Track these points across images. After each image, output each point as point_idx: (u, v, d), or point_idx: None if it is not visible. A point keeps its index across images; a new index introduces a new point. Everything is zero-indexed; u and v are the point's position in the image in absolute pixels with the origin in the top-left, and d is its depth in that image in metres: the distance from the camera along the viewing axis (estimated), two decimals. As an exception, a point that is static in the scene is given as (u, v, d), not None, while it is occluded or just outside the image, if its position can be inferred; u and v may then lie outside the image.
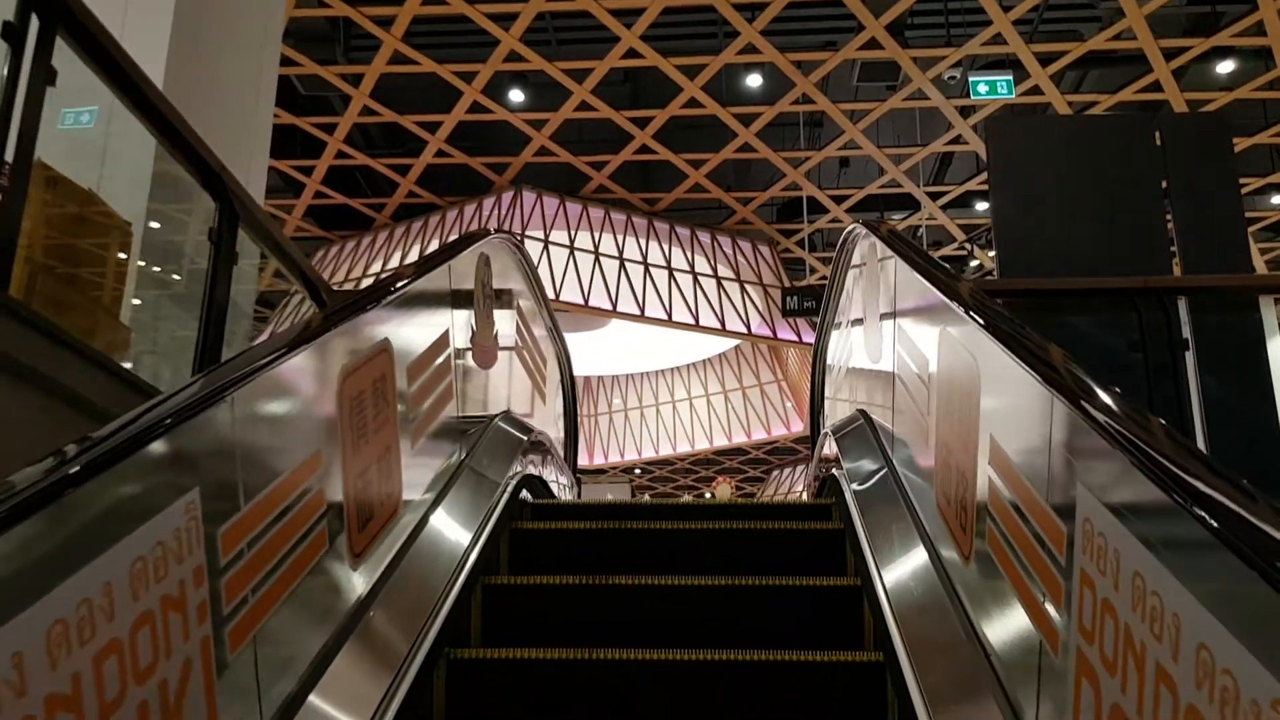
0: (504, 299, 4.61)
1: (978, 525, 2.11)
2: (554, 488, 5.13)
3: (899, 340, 3.37)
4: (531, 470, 4.47)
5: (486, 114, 11.41)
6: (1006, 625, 1.84)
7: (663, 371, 18.45)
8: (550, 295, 12.58)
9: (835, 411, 5.58)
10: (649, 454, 18.90)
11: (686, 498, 10.93)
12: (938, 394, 2.67)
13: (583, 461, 19.32)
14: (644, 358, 17.04)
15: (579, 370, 16.88)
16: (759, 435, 17.54)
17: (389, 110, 11.45)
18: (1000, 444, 1.99)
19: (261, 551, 1.67)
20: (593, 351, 15.63)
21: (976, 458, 2.15)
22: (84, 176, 3.25)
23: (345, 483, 2.17)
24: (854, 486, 3.61)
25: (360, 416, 2.36)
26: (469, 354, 3.83)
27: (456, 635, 2.62)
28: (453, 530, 3.02)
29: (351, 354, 2.32)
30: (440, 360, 3.35)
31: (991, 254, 13.93)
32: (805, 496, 5.90)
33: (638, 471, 22.72)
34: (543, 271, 12.41)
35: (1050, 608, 1.54)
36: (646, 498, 10.78)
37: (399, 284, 2.81)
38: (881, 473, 3.48)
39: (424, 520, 2.83)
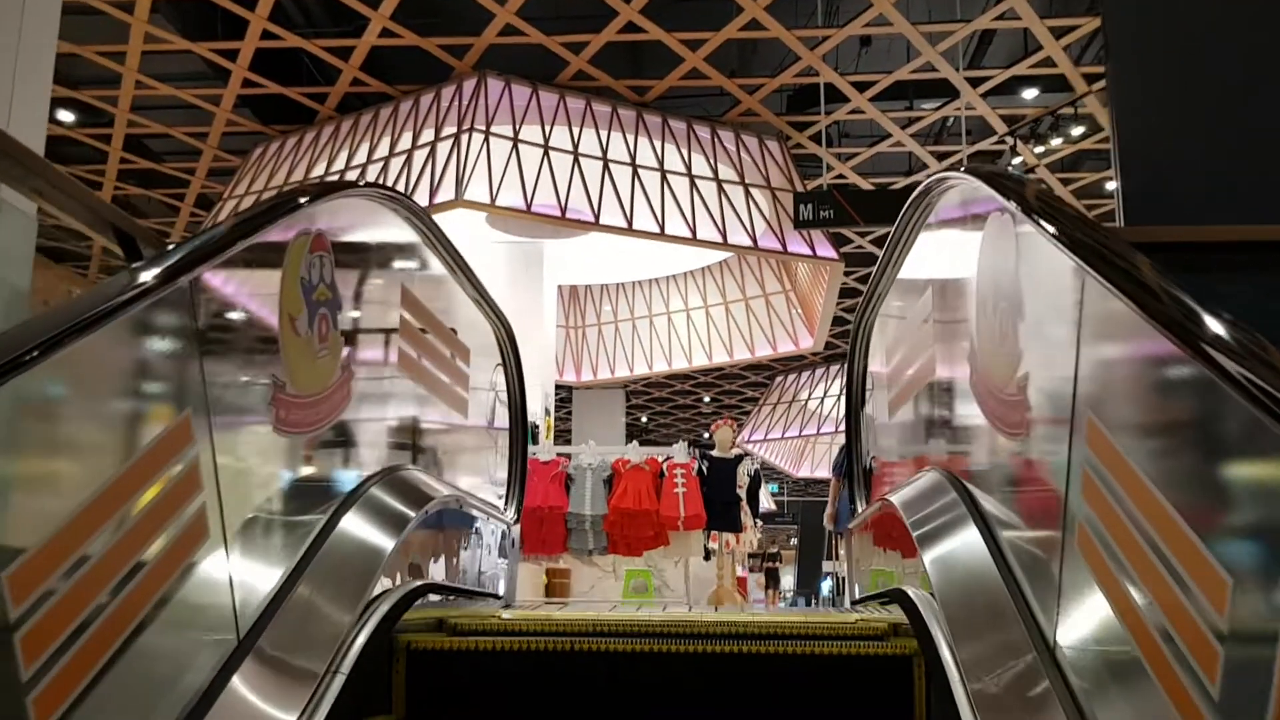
0: (368, 297, 2.87)
1: None
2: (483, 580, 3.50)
3: (1097, 451, 1.65)
4: (420, 577, 2.83)
5: (438, -17, 9.37)
6: None
7: (656, 280, 16.61)
8: (521, 205, 10.74)
9: (882, 434, 3.91)
10: (641, 369, 17.26)
11: (677, 448, 9.36)
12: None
13: (570, 377, 17.74)
14: (635, 265, 15.22)
15: (563, 279, 15.13)
16: (764, 351, 15.86)
17: (319, -21, 9.42)
18: None
19: None
20: (578, 259, 13.83)
21: None
22: None
23: None
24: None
25: None
26: (272, 421, 2.14)
27: None
28: None
29: None
30: (158, 487, 1.66)
31: (1038, 149, 12.02)
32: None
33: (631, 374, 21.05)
34: (511, 176, 10.52)
35: None
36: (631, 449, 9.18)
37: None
38: (1043, 692, 1.84)
39: None
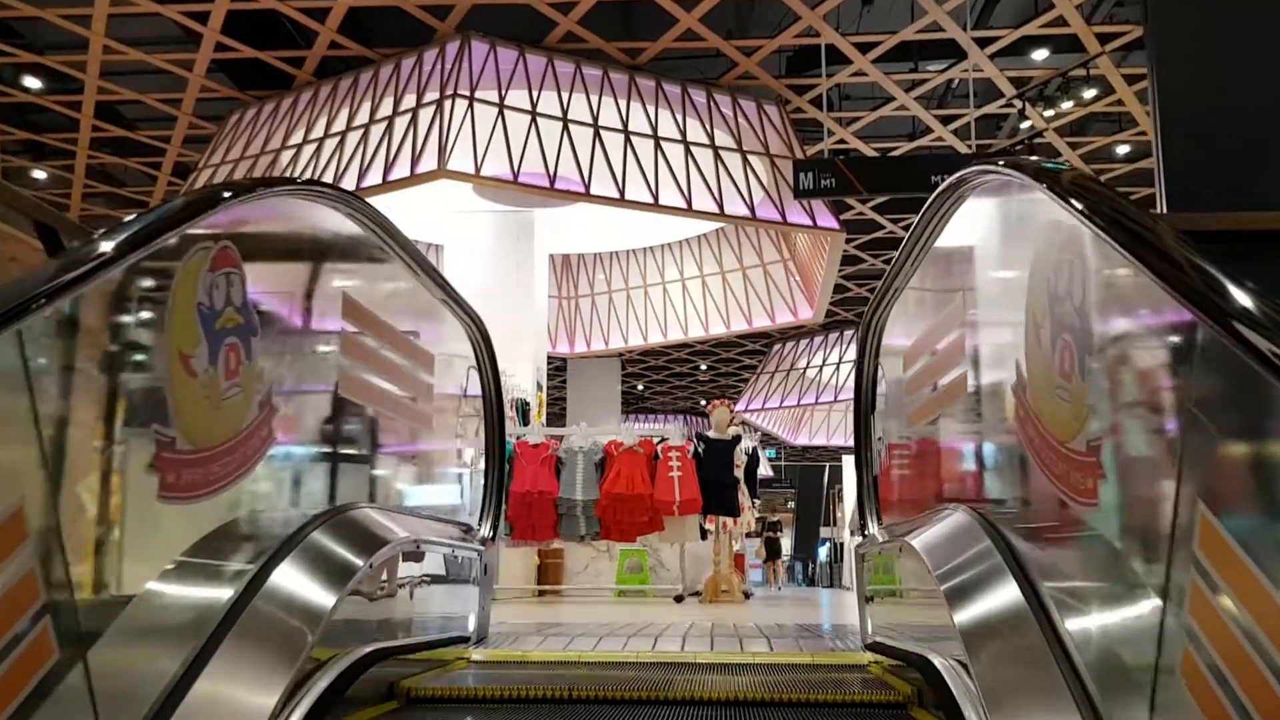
0: (299, 312, 2.46)
1: None
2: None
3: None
4: (369, 637, 2.44)
5: (417, -60, 8.81)
6: None
7: (651, 249, 16.13)
8: (507, 174, 10.26)
9: (895, 449, 3.50)
10: (636, 341, 16.83)
11: (672, 429, 8.98)
12: None
13: (564, 349, 17.34)
14: (629, 234, 14.73)
15: (555, 249, 14.64)
16: (762, 322, 15.42)
17: (290, -64, 8.87)
18: None
19: None
20: (571, 228, 13.36)
21: None
22: None
23: None
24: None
25: None
26: (155, 489, 1.73)
27: None
28: None
29: None
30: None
31: (1047, 113, 11.53)
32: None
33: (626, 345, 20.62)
34: (497, 143, 10.03)
35: None
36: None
37: None
38: None
39: None
